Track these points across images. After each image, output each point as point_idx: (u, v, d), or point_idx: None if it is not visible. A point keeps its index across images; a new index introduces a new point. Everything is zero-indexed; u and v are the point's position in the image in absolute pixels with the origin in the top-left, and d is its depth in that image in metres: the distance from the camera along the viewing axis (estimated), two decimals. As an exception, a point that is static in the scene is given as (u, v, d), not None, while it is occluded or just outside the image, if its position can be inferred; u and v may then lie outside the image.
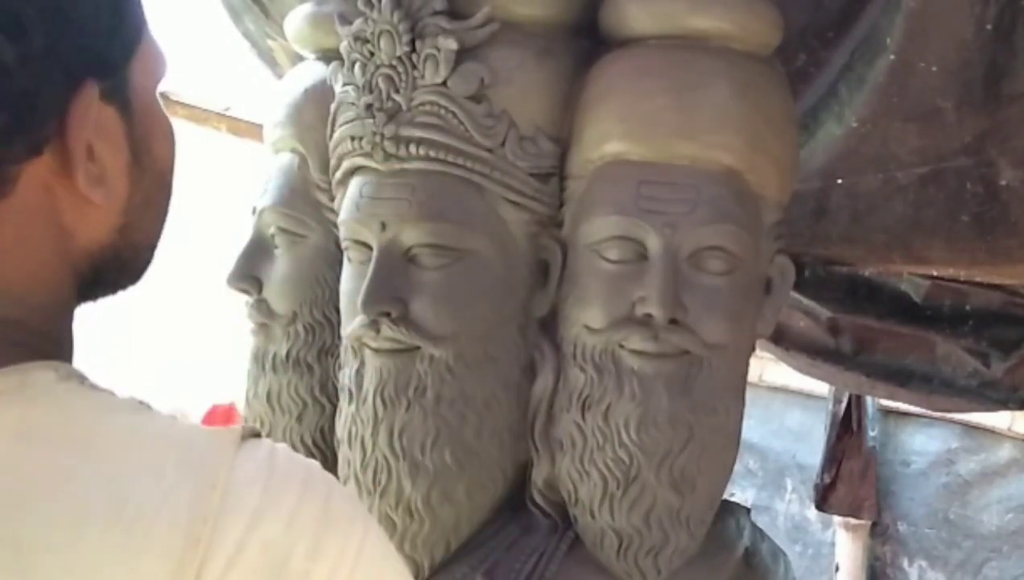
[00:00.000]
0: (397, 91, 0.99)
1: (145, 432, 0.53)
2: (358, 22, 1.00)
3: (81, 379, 0.55)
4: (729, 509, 1.12)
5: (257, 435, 0.56)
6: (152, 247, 0.65)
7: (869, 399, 3.63)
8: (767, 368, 3.81)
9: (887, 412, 3.80)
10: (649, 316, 0.93)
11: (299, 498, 0.53)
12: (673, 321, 0.93)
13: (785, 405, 4.11)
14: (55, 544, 0.48)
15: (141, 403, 0.56)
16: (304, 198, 1.17)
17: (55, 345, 0.57)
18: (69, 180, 0.55)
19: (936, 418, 3.64)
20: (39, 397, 0.52)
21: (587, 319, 0.97)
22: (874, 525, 3.84)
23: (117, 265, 0.62)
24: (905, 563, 3.81)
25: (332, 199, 1.12)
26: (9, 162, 0.53)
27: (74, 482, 0.50)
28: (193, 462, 0.52)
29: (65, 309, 0.59)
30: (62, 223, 0.57)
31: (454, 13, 0.98)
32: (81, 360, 0.59)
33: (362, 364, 1.02)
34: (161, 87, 0.64)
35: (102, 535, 0.48)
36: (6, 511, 0.48)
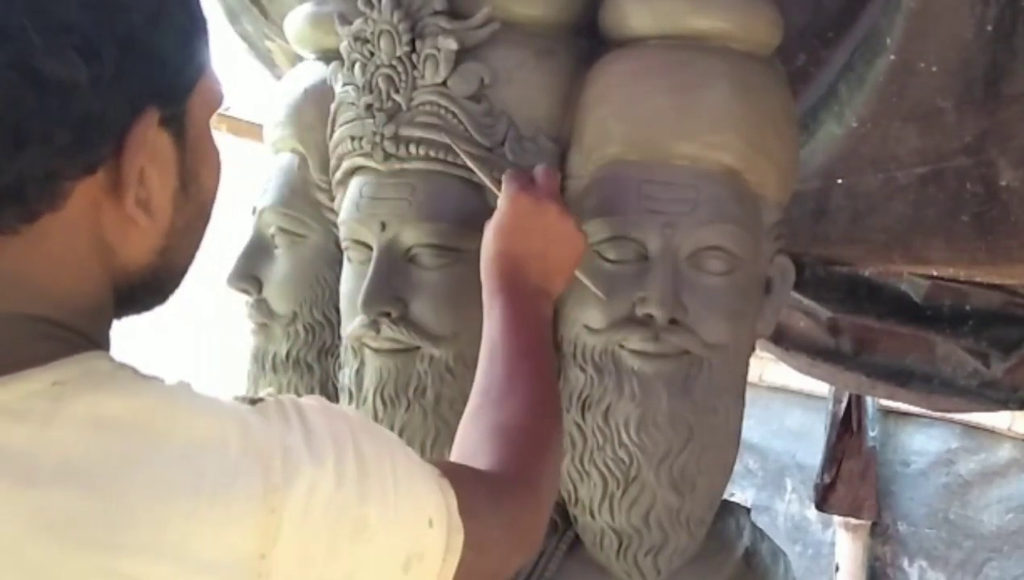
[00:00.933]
0: (397, 91, 0.99)
1: (202, 410, 0.56)
2: (358, 22, 1.00)
3: (133, 367, 0.58)
4: (729, 509, 1.12)
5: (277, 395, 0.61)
6: (186, 271, 0.67)
7: (869, 399, 3.63)
8: (767, 368, 3.80)
9: (887, 412, 3.80)
10: (649, 316, 0.93)
11: (336, 455, 0.58)
12: (673, 321, 0.93)
13: (785, 405, 4.10)
14: (144, 521, 0.51)
15: (189, 385, 0.58)
16: (304, 198, 1.17)
17: (97, 348, 0.59)
18: (117, 200, 0.57)
19: (936, 418, 3.63)
20: (103, 384, 0.54)
21: (587, 319, 0.97)
22: (874, 525, 3.83)
23: (154, 286, 0.64)
24: (905, 563, 3.81)
25: (332, 199, 1.12)
26: (65, 178, 0.54)
27: (151, 461, 0.52)
28: (251, 435, 0.55)
29: (105, 320, 0.61)
30: (105, 239, 0.58)
31: (454, 13, 0.98)
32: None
33: (362, 364, 1.02)
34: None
35: (187, 510, 0.52)
36: (92, 493, 0.51)
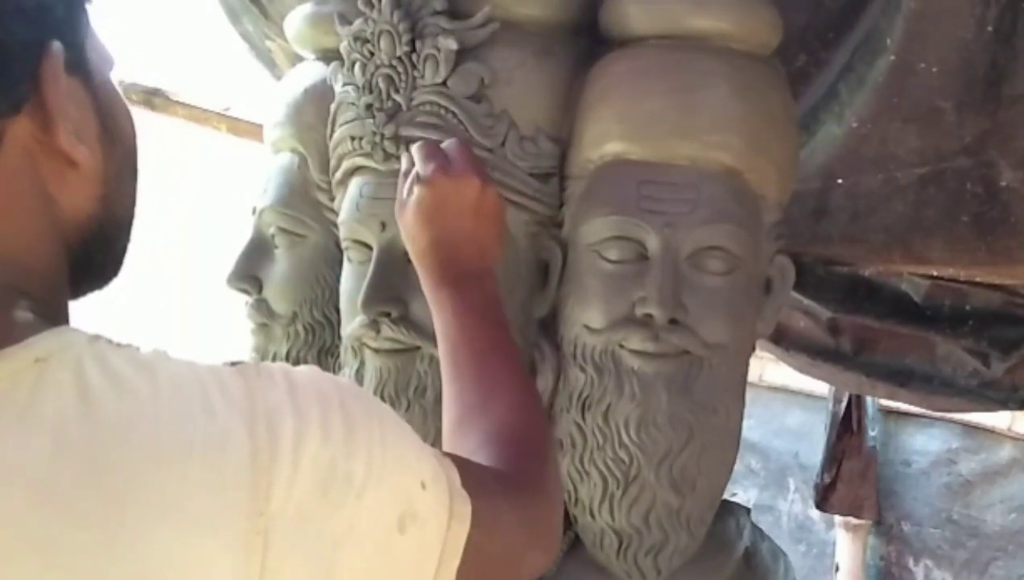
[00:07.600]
0: (397, 91, 1.00)
1: (183, 376, 0.57)
2: (358, 22, 1.00)
3: (107, 338, 0.58)
4: (729, 509, 1.12)
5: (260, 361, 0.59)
6: (129, 227, 0.67)
7: (869, 399, 3.63)
8: (767, 368, 3.81)
9: (888, 412, 3.81)
10: (649, 316, 0.93)
11: (321, 411, 0.58)
12: (673, 321, 0.93)
13: (786, 405, 4.11)
14: (141, 486, 0.51)
15: (165, 351, 0.59)
16: (304, 198, 1.17)
17: (64, 319, 0.60)
18: (49, 143, 0.58)
19: (936, 418, 3.64)
20: (84, 356, 0.55)
21: (587, 319, 0.97)
22: (878, 524, 3.84)
23: (103, 242, 0.64)
24: (911, 562, 3.81)
25: (332, 199, 1.12)
26: None
27: (141, 427, 0.53)
28: (233, 398, 0.56)
29: (64, 287, 0.62)
30: (46, 191, 0.59)
31: (454, 13, 0.98)
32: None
33: (362, 364, 1.02)
34: (114, 77, 0.66)
35: (181, 473, 0.52)
36: (85, 464, 0.51)
